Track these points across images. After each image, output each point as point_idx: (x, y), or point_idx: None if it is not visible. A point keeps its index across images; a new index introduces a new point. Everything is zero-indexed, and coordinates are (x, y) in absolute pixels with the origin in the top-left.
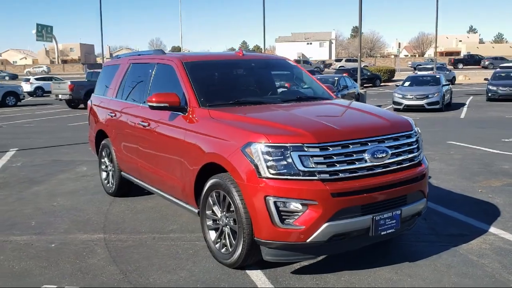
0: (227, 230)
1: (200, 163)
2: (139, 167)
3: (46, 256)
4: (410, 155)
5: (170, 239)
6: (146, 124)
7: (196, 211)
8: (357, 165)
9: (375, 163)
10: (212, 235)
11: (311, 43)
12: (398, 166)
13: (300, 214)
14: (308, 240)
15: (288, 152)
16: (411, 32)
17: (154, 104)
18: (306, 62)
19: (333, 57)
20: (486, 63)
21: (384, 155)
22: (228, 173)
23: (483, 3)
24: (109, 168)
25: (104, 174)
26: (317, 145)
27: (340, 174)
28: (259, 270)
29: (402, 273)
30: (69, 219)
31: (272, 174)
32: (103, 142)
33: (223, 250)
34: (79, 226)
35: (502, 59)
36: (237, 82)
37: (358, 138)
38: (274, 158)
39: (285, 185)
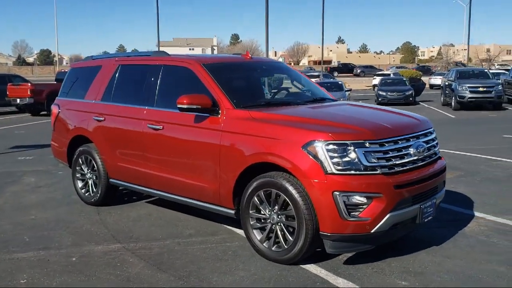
0: (278, 227)
1: (243, 164)
2: (145, 172)
3: (77, 270)
4: (435, 149)
5: (198, 243)
6: (159, 127)
7: (232, 212)
8: (406, 159)
9: (418, 157)
10: (258, 234)
11: (193, 49)
12: (431, 160)
13: (365, 206)
14: (372, 231)
15: (352, 148)
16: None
17: (185, 106)
18: None
19: None
20: (358, 71)
21: (423, 149)
22: (281, 172)
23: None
24: (89, 176)
25: (79, 183)
26: (377, 141)
27: (395, 168)
28: (311, 264)
29: (439, 255)
30: (66, 231)
31: (338, 170)
32: (80, 148)
33: (274, 247)
34: (84, 238)
35: (372, 67)
36: (255, 84)
37: (404, 134)
38: (339, 154)
39: (351, 180)
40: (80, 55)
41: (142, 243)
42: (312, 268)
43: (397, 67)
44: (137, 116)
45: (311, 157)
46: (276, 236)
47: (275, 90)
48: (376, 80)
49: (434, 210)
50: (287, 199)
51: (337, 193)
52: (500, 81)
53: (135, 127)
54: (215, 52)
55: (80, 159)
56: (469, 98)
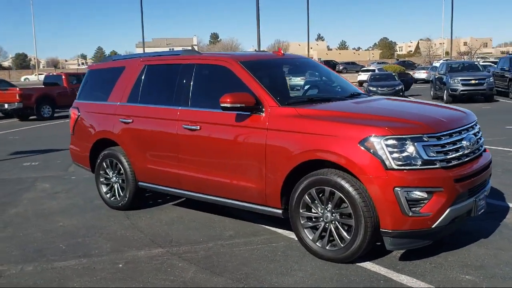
0: (332, 226)
1: (292, 162)
2: (179, 174)
3: (128, 276)
4: (481, 142)
5: (242, 245)
6: (195, 127)
7: (279, 211)
8: (460, 152)
9: (470, 150)
10: (309, 233)
11: (173, 49)
12: (479, 152)
13: (426, 201)
14: (433, 226)
15: (411, 143)
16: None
17: (228, 105)
18: None
19: None
20: (341, 67)
21: (473, 141)
22: (333, 169)
23: (328, 13)
24: (115, 180)
25: (104, 188)
26: (435, 135)
27: (452, 162)
28: (367, 262)
29: (492, 248)
30: (100, 237)
31: (398, 165)
32: (105, 152)
33: (328, 246)
34: (122, 243)
35: (354, 63)
36: (309, 81)
37: (457, 127)
38: (399, 149)
39: (412, 175)
40: (57, 58)
41: (185, 247)
42: (369, 265)
43: (378, 63)
44: (170, 117)
45: (369, 153)
46: (330, 235)
47: (308, 86)
48: (362, 76)
49: (485, 203)
50: (342, 196)
51: (398, 188)
52: (490, 73)
53: (168, 128)
54: None
55: (104, 163)
56: (462, 91)
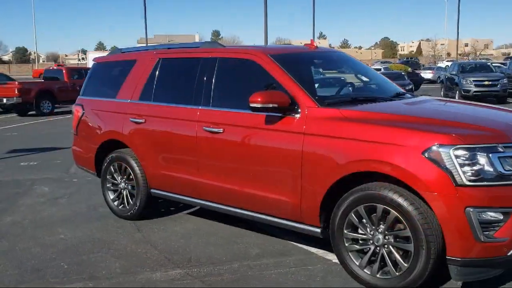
0: (384, 250)
1: (336, 173)
2: (198, 182)
3: None
4: None
5: (272, 266)
6: (218, 130)
7: (318, 230)
8: None
9: None
10: (355, 257)
11: None
12: None
13: (501, 224)
14: (510, 253)
15: (484, 154)
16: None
17: (259, 105)
18: None
19: None
20: None
21: None
22: (387, 183)
23: (329, 11)
24: (123, 186)
25: (111, 194)
26: (511, 144)
27: None
28: None
29: None
30: (108, 254)
31: (471, 181)
32: (112, 155)
33: (379, 274)
34: (134, 262)
35: None
36: (329, 77)
37: None
38: (471, 162)
39: (486, 193)
40: (57, 53)
41: (206, 268)
42: None
43: (381, 62)
44: (188, 118)
45: (435, 165)
46: (382, 261)
47: (345, 84)
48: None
49: None
50: (399, 216)
51: (471, 209)
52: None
53: (186, 130)
54: None
55: (112, 167)
56: (475, 92)
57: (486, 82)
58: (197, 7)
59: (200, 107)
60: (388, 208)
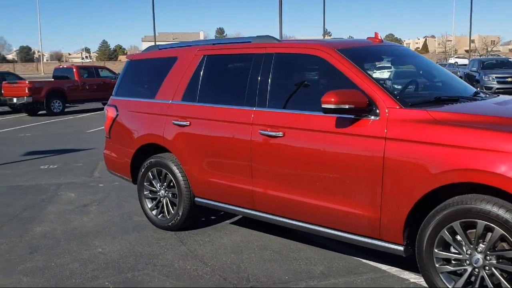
0: (485, 273)
1: (427, 184)
2: (251, 191)
3: None
4: None
5: (343, 287)
6: (277, 134)
7: (401, 249)
8: None
9: None
10: (447, 280)
11: None
12: None
13: None
14: None
15: None
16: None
17: (333, 106)
18: None
19: None
20: None
21: None
22: (490, 196)
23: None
24: (163, 193)
25: (149, 203)
26: None
27: None
28: None
29: None
30: (155, 271)
31: None
32: (151, 160)
33: None
34: (187, 281)
35: None
36: (404, 74)
37: None
38: None
39: None
40: (60, 51)
41: None
42: None
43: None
44: (241, 120)
45: None
46: (483, 285)
47: (413, 82)
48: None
49: None
50: (506, 235)
51: None
52: None
53: (238, 133)
54: None
55: (150, 173)
56: (497, 88)
57: (510, 79)
58: (201, 5)
59: (254, 109)
60: (491, 224)
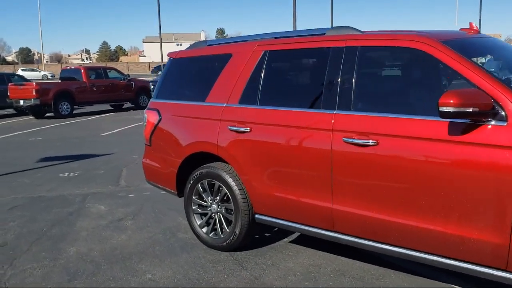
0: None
1: None
2: (333, 210)
3: None
4: None
5: None
6: (368, 142)
7: None
8: None
9: None
10: None
11: (181, 44)
12: None
13: None
14: None
15: None
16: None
17: (453, 109)
18: None
19: None
20: None
21: None
22: None
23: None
24: (215, 209)
25: (198, 219)
26: None
27: None
28: None
29: None
30: None
31: None
32: (201, 171)
33: None
34: None
35: None
36: (507, 67)
37: None
38: None
39: None
40: (60, 53)
41: None
42: None
43: None
44: (318, 126)
45: None
46: None
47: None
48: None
49: None
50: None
51: None
52: None
53: (315, 141)
54: None
55: (200, 186)
56: None
57: None
58: (200, 5)
59: (335, 112)
60: None
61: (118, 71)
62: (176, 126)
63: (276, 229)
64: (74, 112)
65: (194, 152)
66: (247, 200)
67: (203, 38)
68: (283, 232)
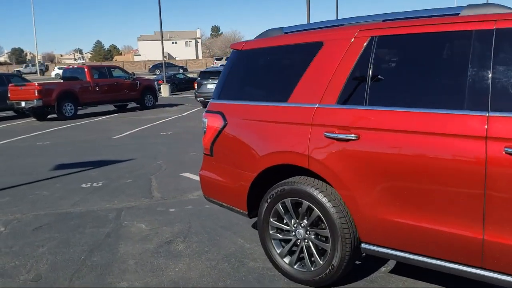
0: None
1: None
2: (482, 240)
3: None
4: None
5: None
6: None
7: None
8: None
9: None
10: None
11: (176, 42)
12: None
13: None
14: None
15: None
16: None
17: None
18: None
19: (200, 57)
20: None
21: None
22: None
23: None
24: (302, 234)
25: (278, 247)
26: None
27: None
28: None
29: None
30: None
31: None
32: (283, 187)
33: None
34: None
35: None
36: None
37: None
38: None
39: None
40: (53, 53)
41: None
42: None
43: None
44: (462, 132)
45: None
46: None
47: None
48: None
49: None
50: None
51: None
52: None
53: (457, 152)
54: (199, 45)
55: (280, 205)
56: None
57: None
58: (195, 4)
59: (489, 114)
60: None
61: (123, 70)
62: (247, 132)
63: (364, 254)
64: (79, 113)
65: (274, 164)
66: (350, 225)
67: (198, 35)
68: (374, 258)
